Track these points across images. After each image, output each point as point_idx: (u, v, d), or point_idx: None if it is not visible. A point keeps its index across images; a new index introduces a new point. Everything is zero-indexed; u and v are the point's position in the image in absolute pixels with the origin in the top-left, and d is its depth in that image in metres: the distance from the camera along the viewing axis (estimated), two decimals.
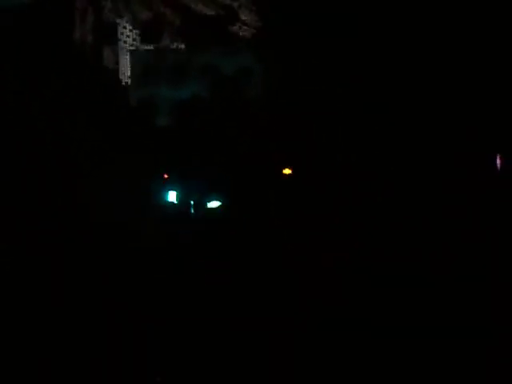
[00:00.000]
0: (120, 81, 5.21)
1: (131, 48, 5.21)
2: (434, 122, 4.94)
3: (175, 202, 5.08)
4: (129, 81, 5.22)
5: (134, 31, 5.20)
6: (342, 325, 3.71)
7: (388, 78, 5.05)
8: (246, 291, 4.08)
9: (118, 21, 5.19)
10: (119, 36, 5.21)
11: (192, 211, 5.02)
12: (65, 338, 3.74)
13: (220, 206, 5.06)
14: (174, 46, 5.23)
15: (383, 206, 4.64)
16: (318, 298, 3.90)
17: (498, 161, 4.76)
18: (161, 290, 4.15)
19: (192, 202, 5.04)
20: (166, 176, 5.18)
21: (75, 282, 4.09)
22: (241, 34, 5.26)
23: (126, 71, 5.22)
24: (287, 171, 5.54)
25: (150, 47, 5.25)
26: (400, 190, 4.71)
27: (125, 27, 5.18)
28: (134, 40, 5.22)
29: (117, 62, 5.21)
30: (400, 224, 4.44)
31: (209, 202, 5.07)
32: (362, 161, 5.07)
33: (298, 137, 5.40)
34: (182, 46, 5.22)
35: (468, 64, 4.90)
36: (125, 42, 5.21)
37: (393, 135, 5.04)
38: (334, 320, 3.73)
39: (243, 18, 5.25)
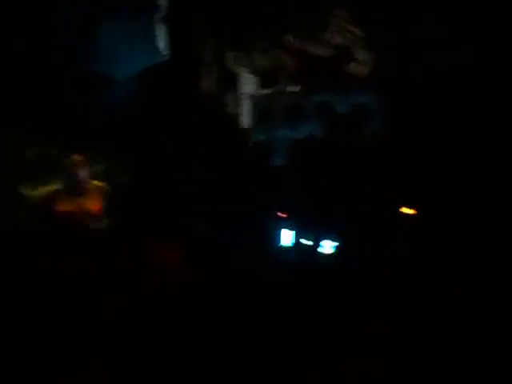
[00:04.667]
0: (241, 124, 5.49)
1: (251, 93, 5.47)
2: None
3: (291, 242, 5.12)
4: (249, 124, 5.47)
5: (253, 77, 5.47)
6: None
7: None
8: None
9: (238, 70, 5.50)
10: (240, 83, 5.51)
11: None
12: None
13: (337, 249, 4.98)
14: (290, 88, 5.37)
15: None
16: None
17: None
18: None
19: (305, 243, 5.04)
20: (282, 215, 5.28)
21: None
22: (356, 71, 5.22)
23: (246, 115, 5.49)
24: (409, 211, 5.28)
25: (268, 91, 5.46)
26: None
27: (243, 75, 5.47)
28: (252, 86, 5.48)
29: (238, 107, 5.50)
30: None
31: (324, 243, 5.03)
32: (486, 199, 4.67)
33: (421, 174, 5.14)
34: (298, 88, 5.35)
35: None
36: (245, 88, 5.49)
37: None
38: None
39: (357, 56, 5.21)
